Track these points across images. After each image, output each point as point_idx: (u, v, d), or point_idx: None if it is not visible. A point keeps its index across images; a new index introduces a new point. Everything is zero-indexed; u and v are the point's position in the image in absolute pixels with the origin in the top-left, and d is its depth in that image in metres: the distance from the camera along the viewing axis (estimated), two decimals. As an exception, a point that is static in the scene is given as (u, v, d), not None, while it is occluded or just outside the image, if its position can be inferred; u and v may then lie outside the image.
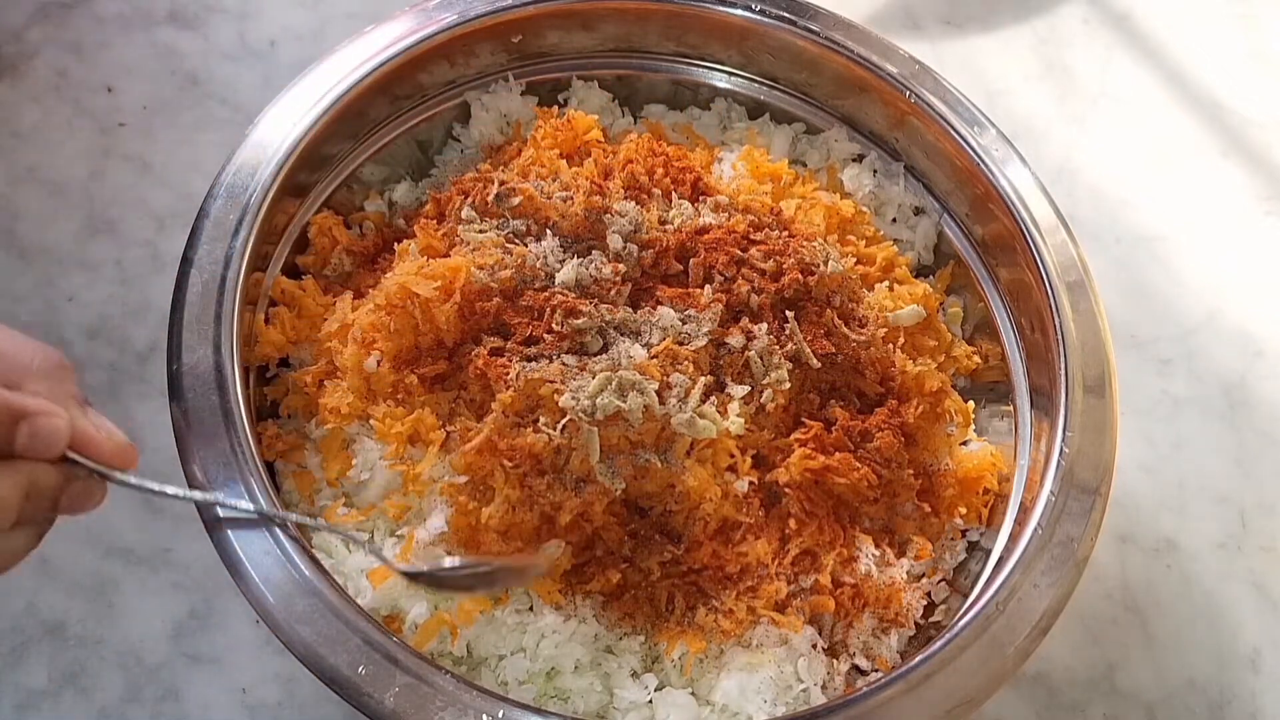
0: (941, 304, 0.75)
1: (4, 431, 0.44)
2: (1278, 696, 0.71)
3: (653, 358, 0.63)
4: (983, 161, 0.72)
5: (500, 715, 0.52)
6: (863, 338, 0.67)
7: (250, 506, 0.55)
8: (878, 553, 0.64)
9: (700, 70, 0.80)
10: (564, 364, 0.62)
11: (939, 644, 0.56)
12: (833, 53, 0.75)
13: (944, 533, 0.68)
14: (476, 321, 0.64)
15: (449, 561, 0.57)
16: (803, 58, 0.77)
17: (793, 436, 0.64)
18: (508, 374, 0.61)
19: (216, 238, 0.63)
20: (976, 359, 0.73)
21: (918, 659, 0.56)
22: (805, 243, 0.69)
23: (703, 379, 0.63)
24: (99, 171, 0.81)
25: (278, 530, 0.55)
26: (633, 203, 0.69)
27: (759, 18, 0.76)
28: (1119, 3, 1.04)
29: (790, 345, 0.65)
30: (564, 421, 0.59)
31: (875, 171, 0.78)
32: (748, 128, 0.80)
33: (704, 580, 0.62)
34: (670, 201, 0.71)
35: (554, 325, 0.63)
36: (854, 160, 0.79)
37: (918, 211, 0.78)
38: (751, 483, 0.63)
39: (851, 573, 0.63)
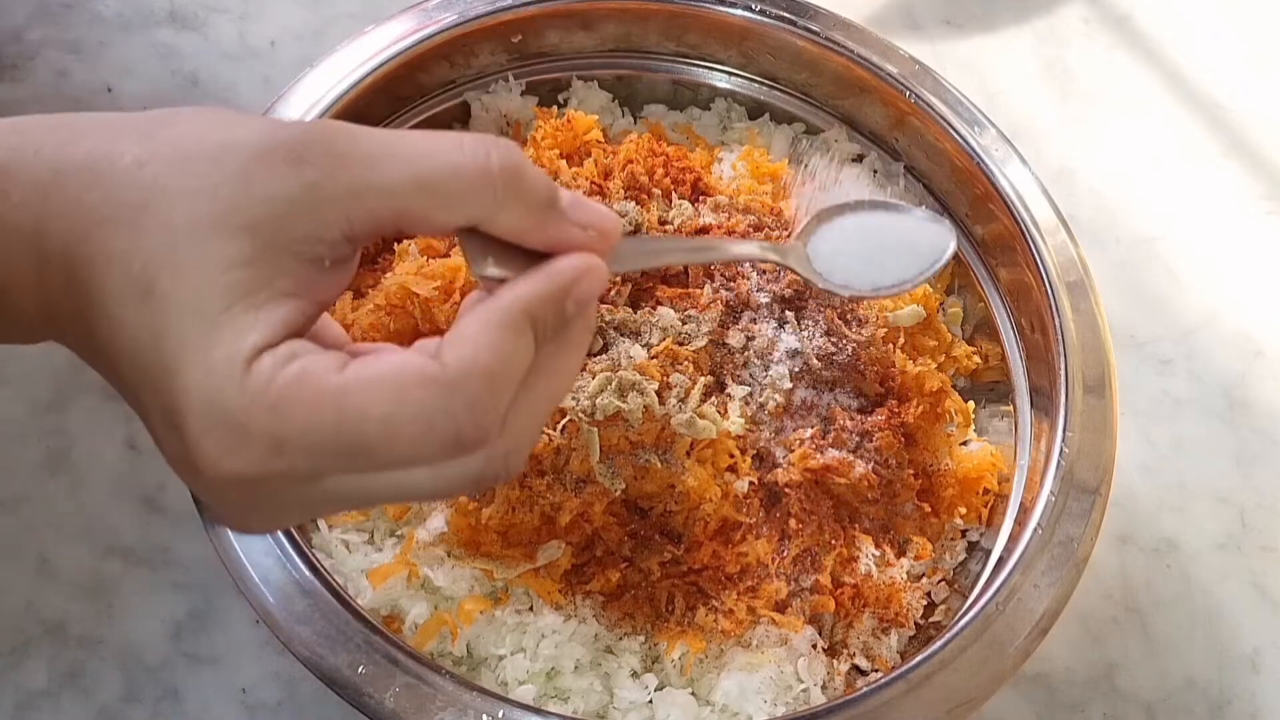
0: (941, 304, 0.75)
1: (556, 316, 0.38)
2: (1278, 696, 0.71)
3: (653, 358, 0.63)
4: (983, 161, 0.72)
5: (500, 715, 0.52)
6: (862, 337, 0.67)
7: None
8: (878, 553, 0.64)
9: (700, 70, 0.80)
10: (564, 364, 0.62)
11: (939, 644, 0.56)
12: (833, 53, 0.75)
13: (944, 533, 0.68)
14: (476, 321, 0.64)
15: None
16: (803, 58, 0.77)
17: (793, 436, 0.64)
18: (508, 374, 0.61)
19: (216, 238, 0.63)
20: (976, 359, 0.73)
21: (918, 659, 0.56)
22: (805, 243, 0.69)
23: (703, 379, 0.63)
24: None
25: (277, 530, 0.56)
26: (633, 203, 0.69)
27: (759, 18, 0.76)
28: (1119, 3, 1.04)
29: (790, 345, 0.65)
30: (564, 422, 0.59)
31: (875, 171, 0.78)
32: (748, 128, 0.80)
33: (704, 580, 0.62)
34: (670, 201, 0.71)
35: (554, 325, 0.63)
36: (854, 160, 0.79)
37: (918, 211, 0.78)
38: (751, 483, 0.63)
39: (851, 573, 0.63)
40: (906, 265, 0.60)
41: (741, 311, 0.67)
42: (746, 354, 0.65)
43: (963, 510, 0.68)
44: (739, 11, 0.76)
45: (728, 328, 0.66)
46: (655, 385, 0.61)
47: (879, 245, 0.60)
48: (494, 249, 0.39)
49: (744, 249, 0.58)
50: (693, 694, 0.60)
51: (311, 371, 0.34)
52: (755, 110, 0.81)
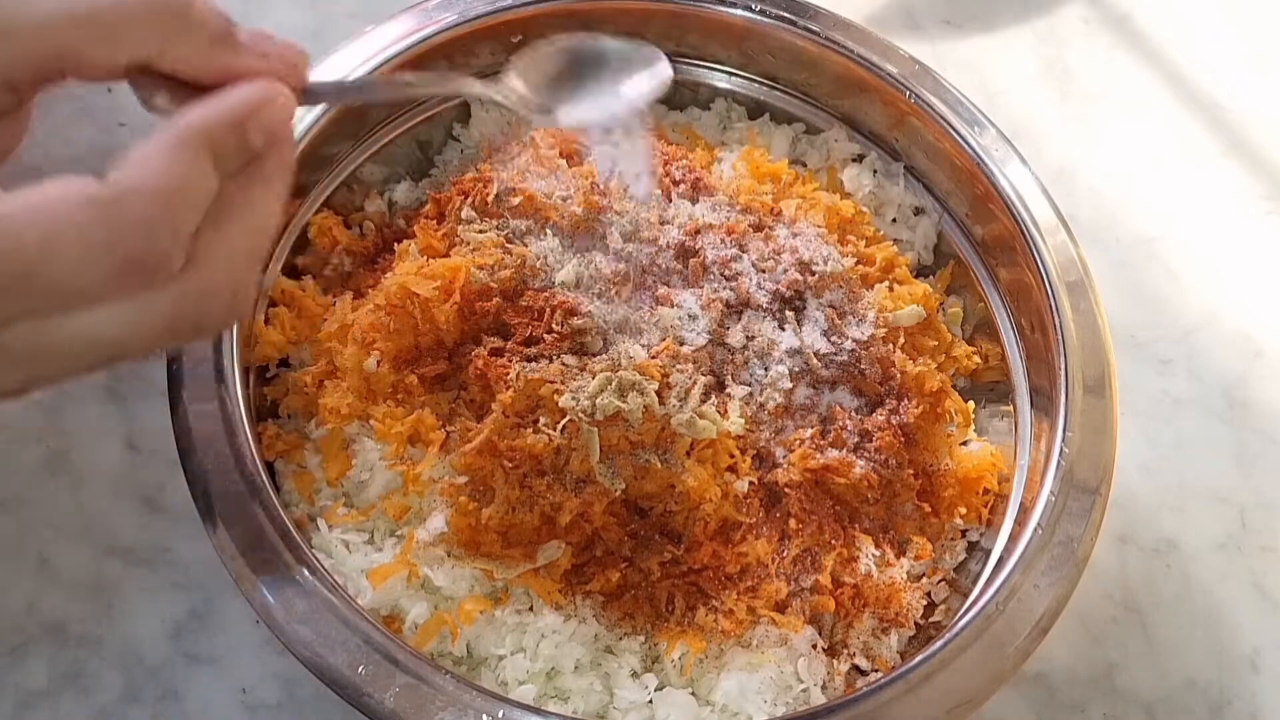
0: (941, 304, 0.75)
1: (237, 143, 0.37)
2: (1278, 696, 0.71)
3: (653, 358, 0.63)
4: (983, 161, 0.72)
5: (500, 715, 0.52)
6: (862, 337, 0.67)
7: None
8: (878, 553, 0.64)
9: (700, 70, 0.80)
10: (564, 364, 0.62)
11: (939, 644, 0.56)
12: (833, 53, 0.75)
13: (944, 533, 0.68)
14: (476, 321, 0.64)
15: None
16: (803, 58, 0.77)
17: (793, 436, 0.64)
18: (508, 374, 0.61)
19: (216, 238, 0.63)
20: (976, 359, 0.73)
21: (918, 659, 0.56)
22: (805, 242, 0.69)
23: (702, 379, 0.63)
24: (99, 172, 0.81)
25: (278, 531, 0.55)
26: (632, 202, 0.69)
27: (759, 18, 0.76)
28: (1119, 3, 1.04)
29: (790, 344, 0.65)
30: (564, 422, 0.59)
31: (875, 171, 0.78)
32: (748, 128, 0.80)
33: (704, 580, 0.62)
34: (670, 201, 0.71)
35: (554, 325, 0.63)
36: (854, 160, 0.79)
37: (918, 211, 0.78)
38: (751, 483, 0.63)
39: (851, 573, 0.63)
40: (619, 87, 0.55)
41: (742, 311, 0.67)
42: (746, 354, 0.65)
43: (963, 510, 0.68)
44: (739, 11, 0.76)
45: (728, 328, 0.66)
46: (655, 385, 0.61)
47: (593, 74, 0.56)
48: (169, 86, 0.37)
49: (444, 86, 0.58)
50: (693, 694, 0.60)
51: None
52: (755, 110, 0.81)
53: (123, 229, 0.33)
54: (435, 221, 0.71)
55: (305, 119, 0.67)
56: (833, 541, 0.63)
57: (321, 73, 0.69)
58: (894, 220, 0.78)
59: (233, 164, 0.37)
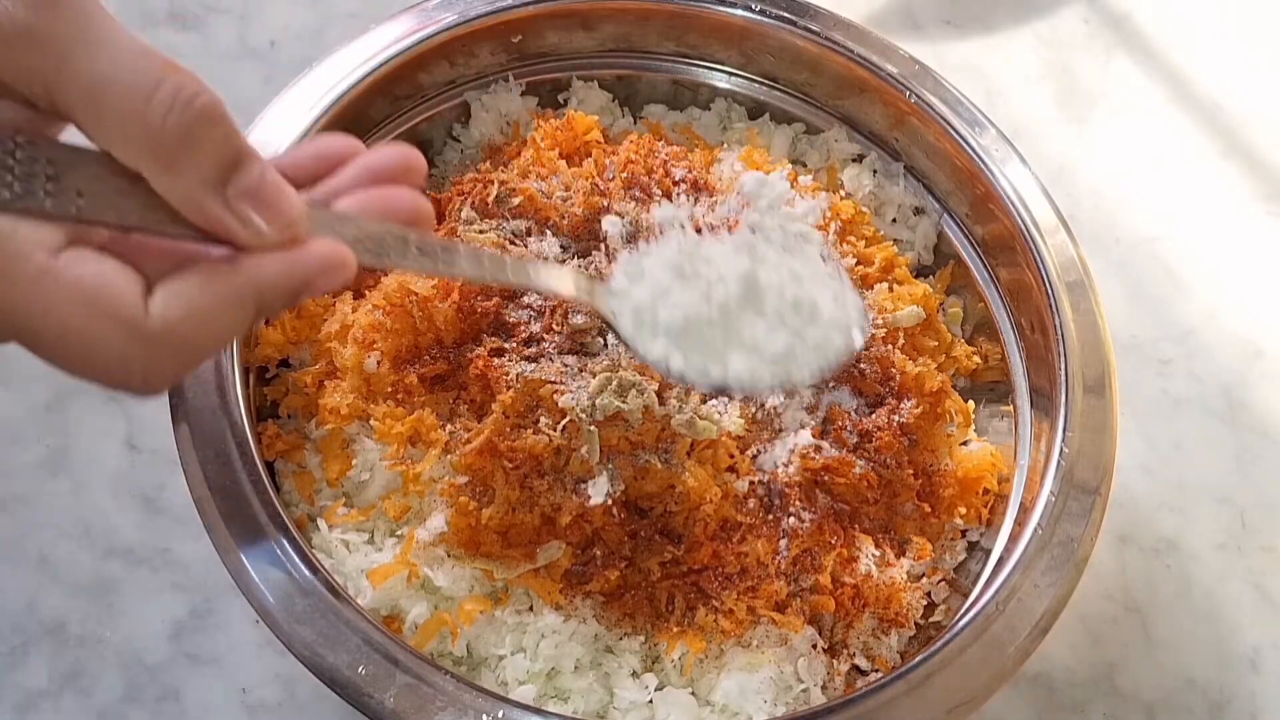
0: (941, 304, 0.75)
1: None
2: (1278, 696, 0.71)
3: (653, 358, 0.63)
4: (983, 161, 0.72)
5: (500, 715, 0.52)
6: (863, 338, 0.67)
7: None
8: (878, 553, 0.64)
9: (700, 70, 0.80)
10: (564, 364, 0.62)
11: (939, 644, 0.56)
12: (833, 53, 0.75)
13: (944, 533, 0.68)
14: (476, 321, 0.64)
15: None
16: (803, 58, 0.77)
17: (793, 436, 0.64)
18: (507, 374, 0.61)
19: (216, 238, 0.63)
20: (976, 359, 0.73)
21: (918, 659, 0.56)
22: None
23: (703, 379, 0.63)
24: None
25: (278, 531, 0.56)
26: (633, 203, 0.69)
27: (759, 18, 0.76)
28: (1119, 3, 1.04)
29: (790, 345, 0.65)
30: (564, 422, 0.59)
31: (875, 171, 0.78)
32: (748, 128, 0.80)
33: (704, 580, 0.62)
34: (670, 201, 0.71)
35: (554, 325, 0.63)
36: (854, 160, 0.79)
37: (918, 211, 0.78)
38: (751, 483, 0.63)
39: (851, 573, 0.63)
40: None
41: (741, 311, 0.67)
42: (746, 354, 0.65)
43: (963, 510, 0.67)
44: (739, 11, 0.76)
45: (728, 328, 0.66)
46: (655, 385, 0.61)
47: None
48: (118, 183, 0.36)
49: (548, 280, 0.49)
50: (693, 694, 0.60)
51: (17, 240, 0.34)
52: (755, 110, 0.81)
53: (136, 367, 0.36)
54: (435, 221, 0.70)
55: (305, 118, 0.67)
56: (833, 541, 0.63)
57: (322, 72, 0.70)
58: (894, 220, 0.78)
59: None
